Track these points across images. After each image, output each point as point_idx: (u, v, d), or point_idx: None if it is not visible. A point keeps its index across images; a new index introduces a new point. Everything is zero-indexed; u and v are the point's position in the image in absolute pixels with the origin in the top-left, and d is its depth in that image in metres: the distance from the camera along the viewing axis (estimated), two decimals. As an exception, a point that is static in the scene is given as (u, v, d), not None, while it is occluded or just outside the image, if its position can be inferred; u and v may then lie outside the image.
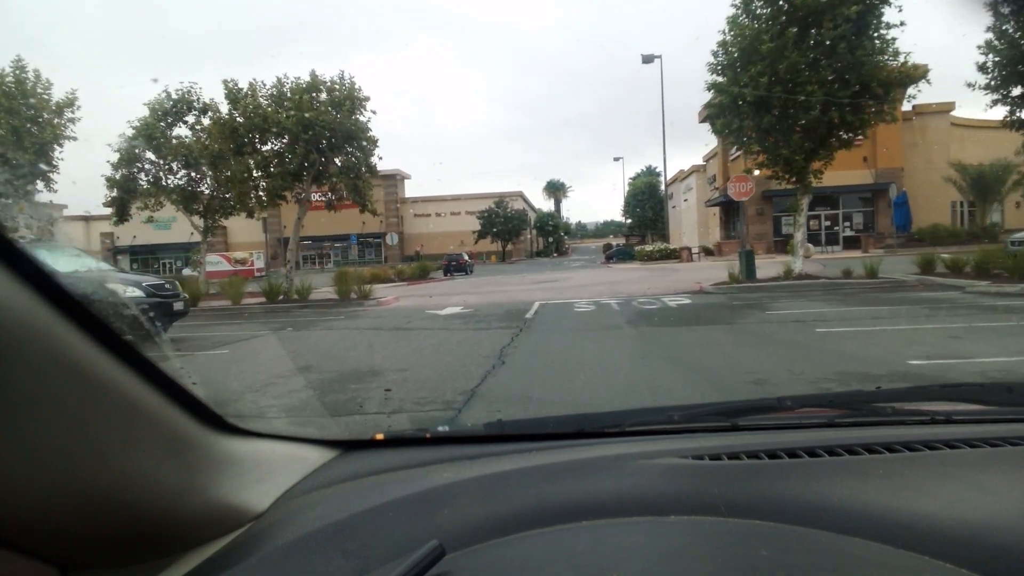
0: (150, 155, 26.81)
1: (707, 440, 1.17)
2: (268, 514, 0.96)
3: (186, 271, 56.40)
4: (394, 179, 69.31)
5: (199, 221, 29.89)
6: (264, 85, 17.35)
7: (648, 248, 35.83)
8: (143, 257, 69.14)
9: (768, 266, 23.94)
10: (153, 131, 23.90)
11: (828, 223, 37.14)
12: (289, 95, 16.84)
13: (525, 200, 76.12)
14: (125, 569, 0.79)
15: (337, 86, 17.25)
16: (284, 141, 16.90)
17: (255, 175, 16.65)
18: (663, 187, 70.12)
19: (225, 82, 17.22)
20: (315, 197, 20.85)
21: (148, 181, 28.14)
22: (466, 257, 43.78)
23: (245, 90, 17.23)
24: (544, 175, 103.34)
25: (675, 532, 0.82)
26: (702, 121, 44.19)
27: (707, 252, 40.73)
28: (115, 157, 26.41)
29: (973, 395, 1.45)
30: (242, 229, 71.25)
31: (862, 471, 0.98)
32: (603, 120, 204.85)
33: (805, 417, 1.30)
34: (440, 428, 1.38)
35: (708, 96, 18.14)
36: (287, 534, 0.87)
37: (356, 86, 17.60)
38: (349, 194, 18.24)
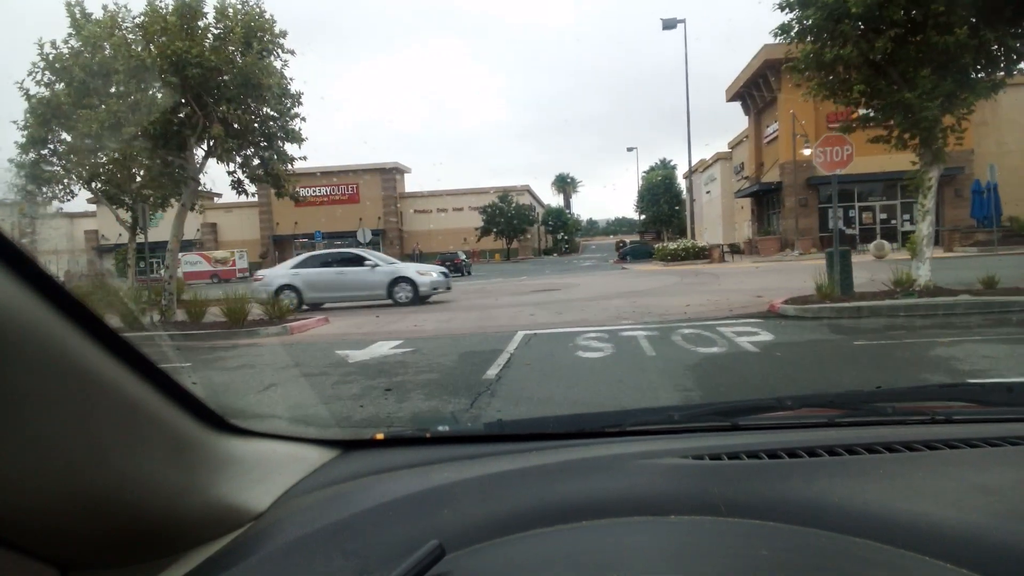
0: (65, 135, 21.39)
1: (707, 440, 1.14)
2: (268, 514, 0.93)
3: (163, 272, 51.29)
4: (392, 173, 63.75)
5: (127, 215, 24.23)
6: (130, 12, 11.61)
7: (671, 246, 29.78)
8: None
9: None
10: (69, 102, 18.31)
11: (884, 216, 30.91)
12: (165, 25, 11.04)
13: (532, 194, 70.18)
14: (125, 569, 0.77)
15: (231, 9, 11.43)
16: (150, 89, 11.10)
17: (105, 139, 10.94)
18: (681, 179, 64.02)
19: (69, 4, 11.49)
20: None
21: (61, 165, 22.73)
22: (463, 256, 38.33)
23: (98, 16, 11.46)
24: (553, 173, 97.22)
25: (675, 532, 0.82)
26: (731, 100, 38.11)
27: (734, 251, 34.59)
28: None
29: (973, 395, 1.41)
30: (234, 225, 66.12)
31: (862, 471, 0.96)
32: (613, 117, 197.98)
33: (805, 417, 1.27)
34: (440, 428, 1.34)
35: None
36: (287, 534, 0.86)
37: (264, 14, 11.78)
38: (252, 171, 12.41)
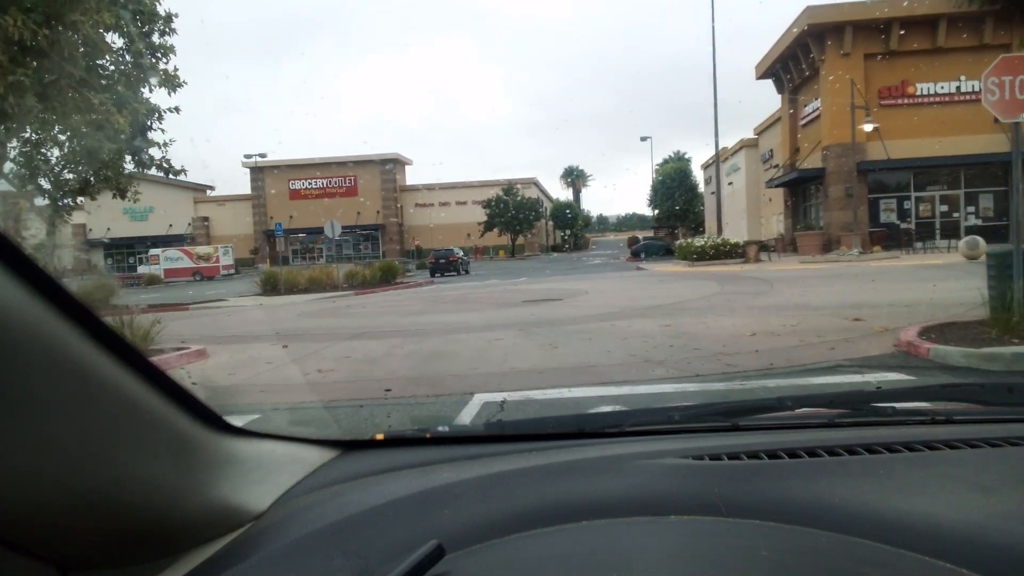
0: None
1: (707, 440, 1.12)
2: (268, 514, 0.92)
3: (142, 268, 47.50)
4: (392, 165, 59.39)
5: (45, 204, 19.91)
6: None
7: (698, 242, 25.10)
8: (119, 251, 59.85)
9: (926, 274, 13.57)
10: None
11: (945, 208, 26.15)
12: None
13: (539, 188, 65.62)
14: (125, 569, 0.76)
15: None
16: None
17: None
18: (698, 171, 59.16)
19: None
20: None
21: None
22: (459, 253, 34.11)
23: None
24: (560, 169, 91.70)
25: (675, 532, 0.80)
26: (761, 77, 33.26)
27: (764, 248, 29.86)
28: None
29: (973, 395, 1.36)
30: (227, 219, 61.90)
31: (862, 471, 0.95)
32: (622, 112, 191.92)
33: (805, 417, 1.23)
34: (440, 428, 1.29)
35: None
36: (287, 534, 0.85)
37: None
38: (63, 117, 8.04)
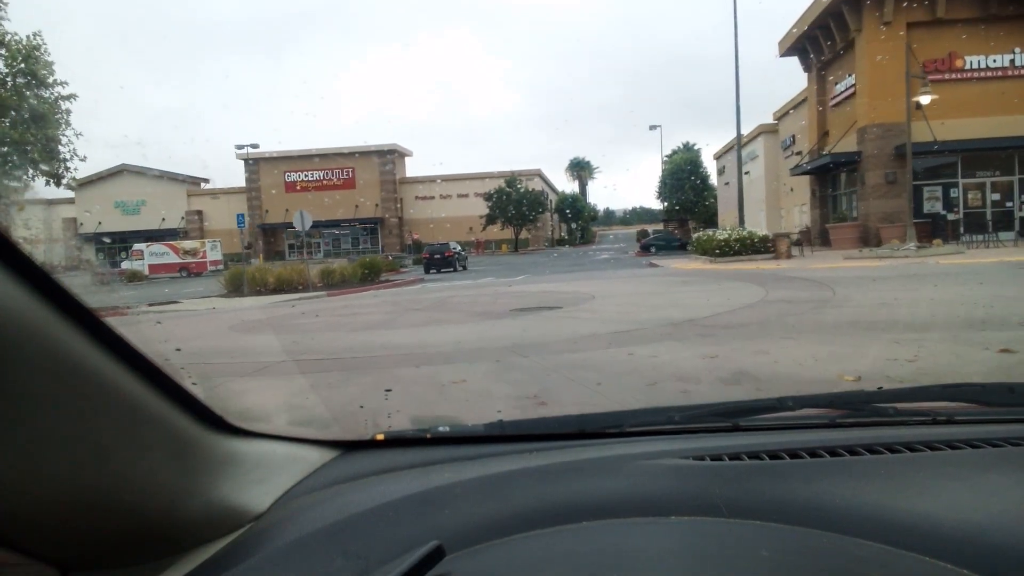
0: None
1: (708, 440, 1.11)
2: (268, 515, 0.91)
3: (125, 264, 44.97)
4: (391, 156, 56.48)
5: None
6: None
7: (720, 236, 22.00)
8: (112, 246, 57.17)
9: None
10: None
11: (996, 196, 22.98)
12: None
13: (544, 180, 62.55)
14: (125, 569, 0.75)
15: None
16: None
17: None
18: (711, 161, 55.99)
19: None
20: None
21: None
22: (456, 248, 31.44)
23: None
24: (566, 163, 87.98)
25: (676, 533, 0.80)
26: (785, 54, 29.96)
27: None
28: None
29: (975, 395, 1.33)
30: (221, 212, 59.07)
31: (863, 472, 0.93)
32: (629, 105, 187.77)
33: (806, 417, 1.21)
34: (440, 428, 1.26)
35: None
36: (287, 535, 0.84)
37: None
38: None
